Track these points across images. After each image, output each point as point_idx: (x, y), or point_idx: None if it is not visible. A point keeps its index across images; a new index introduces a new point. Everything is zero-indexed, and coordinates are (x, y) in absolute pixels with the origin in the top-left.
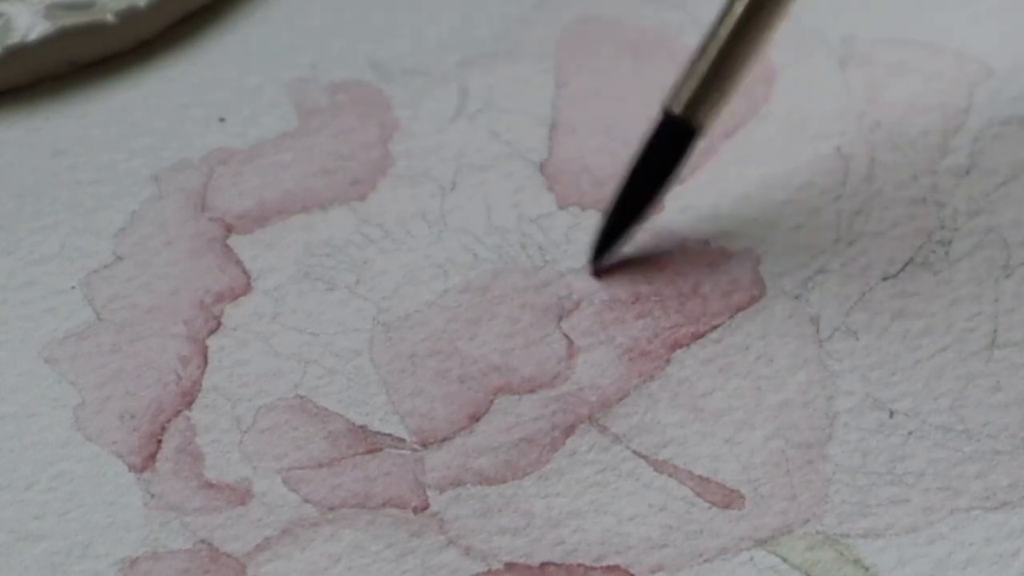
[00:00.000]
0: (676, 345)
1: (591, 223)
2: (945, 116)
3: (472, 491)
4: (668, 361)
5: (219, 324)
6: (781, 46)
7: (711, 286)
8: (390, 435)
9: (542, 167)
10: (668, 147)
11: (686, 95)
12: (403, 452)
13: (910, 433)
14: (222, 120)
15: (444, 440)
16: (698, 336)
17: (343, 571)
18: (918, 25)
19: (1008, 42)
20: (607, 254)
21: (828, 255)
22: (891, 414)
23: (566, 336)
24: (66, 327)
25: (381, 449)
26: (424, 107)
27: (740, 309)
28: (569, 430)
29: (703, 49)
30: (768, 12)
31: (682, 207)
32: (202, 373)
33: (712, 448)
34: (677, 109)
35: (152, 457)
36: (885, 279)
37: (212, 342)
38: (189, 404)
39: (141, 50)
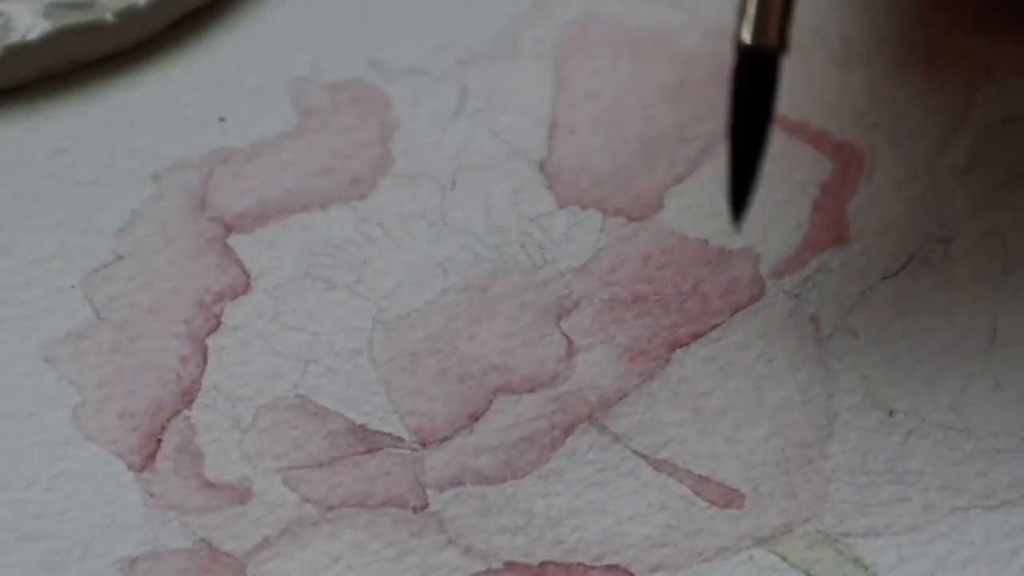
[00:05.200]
0: (676, 344)
1: (591, 222)
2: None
3: (472, 490)
4: (668, 360)
5: (219, 323)
6: None
7: (711, 285)
8: (390, 434)
9: (542, 166)
10: (758, 79)
11: (751, 23)
12: (403, 451)
13: (910, 432)
14: (222, 120)
15: (444, 439)
16: (698, 335)
17: (343, 570)
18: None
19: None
20: (746, 208)
21: (828, 255)
22: (891, 413)
23: (566, 336)
24: (66, 327)
25: (381, 448)
26: (424, 107)
27: (740, 308)
28: (569, 429)
29: None
30: None
31: (682, 207)
32: (202, 372)
33: (712, 447)
34: (748, 39)
35: (152, 456)
36: (885, 278)
37: (212, 341)
38: (189, 403)
39: (141, 50)
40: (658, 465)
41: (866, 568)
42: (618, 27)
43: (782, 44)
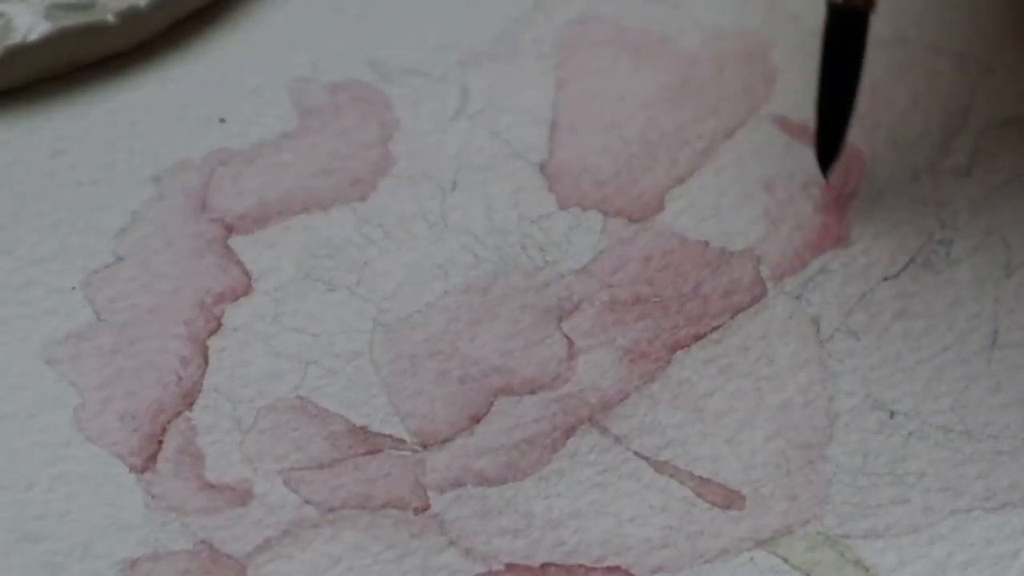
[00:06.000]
0: (677, 346)
1: (592, 223)
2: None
3: (473, 492)
4: (669, 362)
5: (220, 325)
6: (781, 46)
7: (711, 286)
8: (391, 436)
9: (542, 167)
10: (848, 37)
11: None
12: (404, 453)
13: (911, 433)
14: (223, 121)
15: (445, 441)
16: (699, 337)
17: (343, 572)
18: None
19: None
20: (834, 161)
21: (828, 255)
22: (892, 414)
23: (567, 337)
24: (66, 327)
25: (382, 450)
26: (424, 107)
27: (740, 310)
28: (570, 431)
29: None
30: None
31: (682, 207)
32: (203, 374)
33: (713, 449)
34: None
35: (153, 458)
36: (886, 279)
37: (213, 343)
38: (190, 405)
39: (141, 50)
40: (659, 467)
41: (867, 570)
42: (618, 27)
43: (869, 3)
